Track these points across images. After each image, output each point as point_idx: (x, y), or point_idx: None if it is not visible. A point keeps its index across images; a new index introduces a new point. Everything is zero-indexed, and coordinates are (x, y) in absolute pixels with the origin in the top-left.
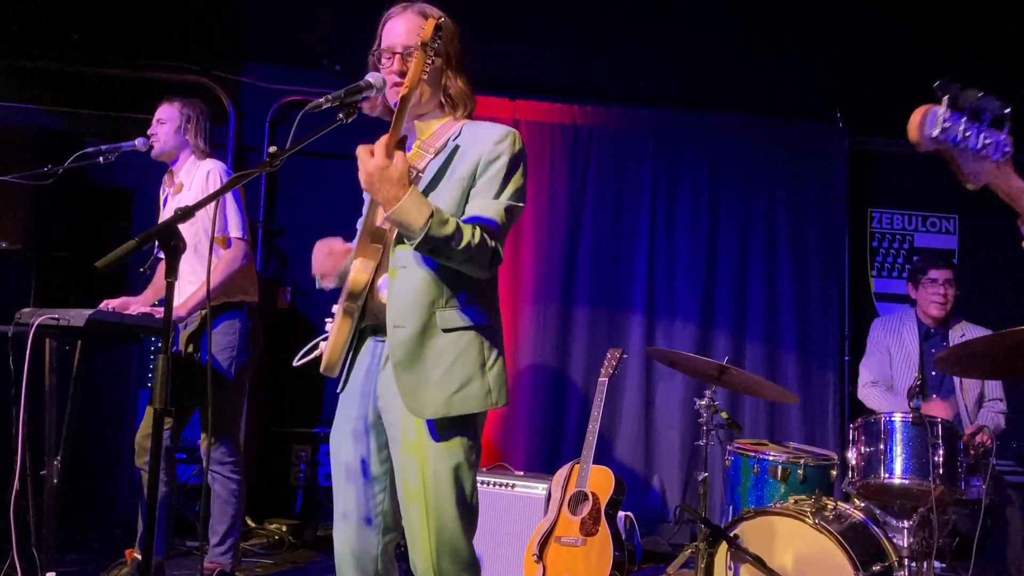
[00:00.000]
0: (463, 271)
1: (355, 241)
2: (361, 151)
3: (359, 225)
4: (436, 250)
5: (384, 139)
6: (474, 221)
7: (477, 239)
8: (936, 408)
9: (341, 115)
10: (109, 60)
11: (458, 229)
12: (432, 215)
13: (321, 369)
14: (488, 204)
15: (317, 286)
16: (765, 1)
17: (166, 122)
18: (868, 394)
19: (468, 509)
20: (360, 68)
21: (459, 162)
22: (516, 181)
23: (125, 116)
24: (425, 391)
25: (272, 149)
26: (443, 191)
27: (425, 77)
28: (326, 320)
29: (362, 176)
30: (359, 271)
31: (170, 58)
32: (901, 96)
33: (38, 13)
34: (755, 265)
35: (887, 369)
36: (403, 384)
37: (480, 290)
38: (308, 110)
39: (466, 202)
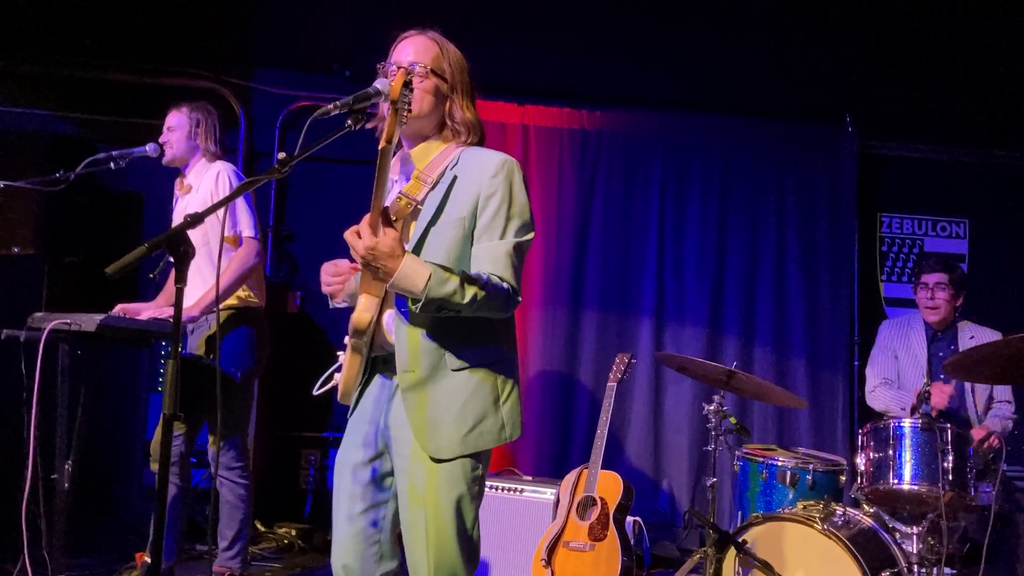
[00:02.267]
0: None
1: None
2: (349, 236)
3: None
4: (442, 308)
5: (367, 218)
6: (483, 270)
7: (484, 290)
8: (937, 392)
9: (349, 121)
10: (120, 66)
11: (461, 285)
12: (431, 276)
13: (339, 399)
14: (494, 247)
15: (330, 305)
16: (774, 4)
17: (176, 129)
18: (875, 396)
19: (468, 541)
20: (369, 73)
21: (457, 197)
22: (519, 214)
23: (136, 121)
24: (439, 432)
25: (281, 155)
26: (443, 229)
27: (427, 109)
28: (338, 353)
29: (356, 258)
30: (363, 309)
31: (181, 64)
32: (911, 100)
33: (50, 19)
34: (764, 269)
35: (893, 372)
36: (417, 426)
37: (491, 324)
38: (317, 116)
39: (470, 242)
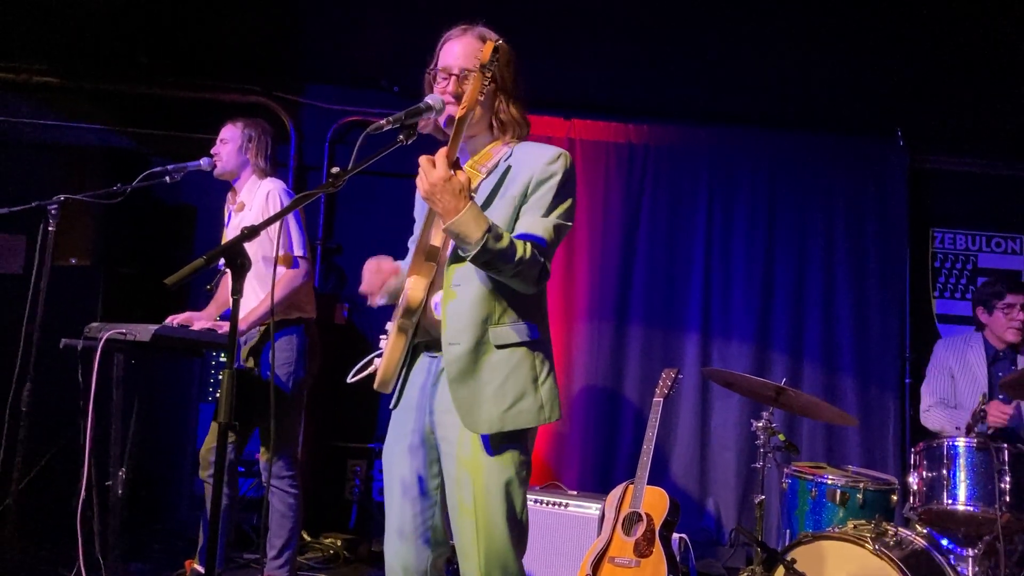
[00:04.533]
0: (512, 286)
1: (408, 259)
2: (424, 161)
3: (411, 244)
4: (490, 263)
5: (444, 151)
6: (524, 237)
7: (528, 254)
8: (995, 410)
9: (401, 136)
10: (174, 82)
11: (511, 244)
12: (489, 229)
13: (375, 386)
14: (538, 221)
15: (369, 302)
16: (824, 16)
17: (228, 142)
18: (930, 415)
19: (518, 525)
20: (417, 88)
21: (511, 182)
22: (566, 201)
23: (189, 136)
24: (480, 407)
25: (335, 170)
26: (495, 210)
27: (481, 98)
28: (380, 337)
29: (423, 186)
30: (413, 289)
31: (233, 80)
32: (964, 113)
33: (107, 37)
34: (813, 285)
35: (949, 391)
36: (458, 400)
37: (531, 306)
38: (369, 132)
39: (516, 219)
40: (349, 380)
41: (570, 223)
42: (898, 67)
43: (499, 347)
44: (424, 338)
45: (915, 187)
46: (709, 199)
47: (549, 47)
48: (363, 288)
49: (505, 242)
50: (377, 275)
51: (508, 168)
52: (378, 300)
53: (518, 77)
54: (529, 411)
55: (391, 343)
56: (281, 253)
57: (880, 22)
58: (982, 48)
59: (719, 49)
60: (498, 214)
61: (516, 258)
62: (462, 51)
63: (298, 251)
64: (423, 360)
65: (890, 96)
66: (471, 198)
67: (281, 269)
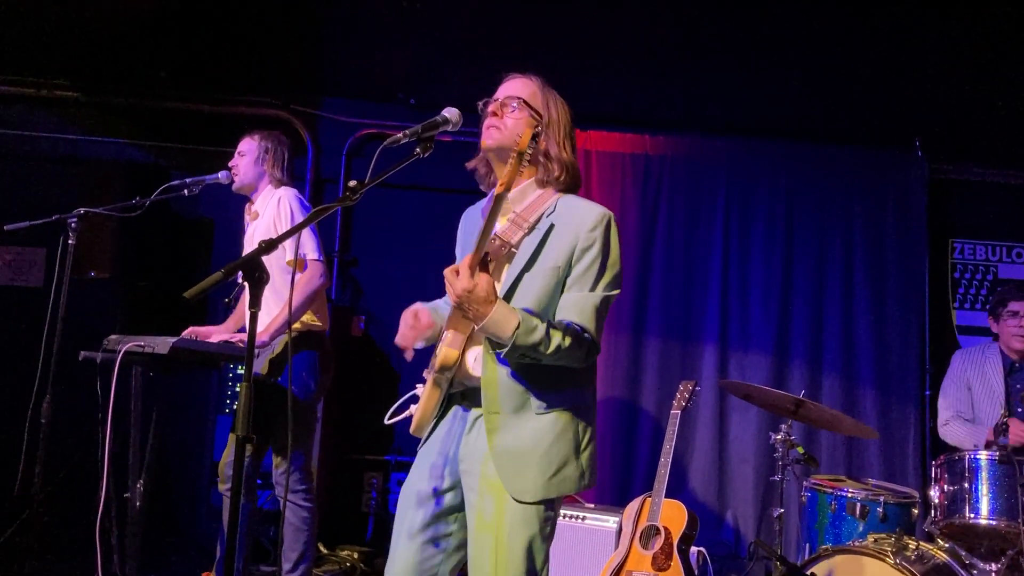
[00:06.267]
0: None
1: (446, 299)
2: (448, 273)
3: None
4: (525, 355)
5: (468, 259)
6: (569, 319)
7: (568, 341)
8: (1018, 429)
9: (419, 150)
10: (193, 96)
11: (547, 334)
12: (519, 325)
13: (411, 431)
14: (584, 298)
15: (405, 356)
16: (840, 29)
17: (245, 154)
18: (948, 430)
19: None
20: (433, 102)
21: (553, 245)
22: (611, 268)
23: (208, 149)
24: (525, 475)
25: (352, 183)
26: (537, 276)
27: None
28: (417, 385)
29: (451, 295)
30: (449, 345)
31: (251, 93)
32: (982, 123)
33: (127, 52)
34: (832, 296)
35: (967, 403)
36: (503, 467)
37: (575, 369)
38: (387, 145)
39: (560, 291)
40: (386, 422)
41: (617, 290)
42: (916, 78)
43: (541, 413)
44: (459, 388)
45: (934, 198)
46: (726, 210)
47: (565, 58)
48: (398, 341)
49: (538, 335)
50: (412, 330)
51: (551, 227)
52: (410, 356)
53: (572, 126)
54: (571, 479)
55: (426, 394)
56: (291, 257)
57: (898, 33)
58: (1000, 58)
59: (736, 60)
60: (540, 283)
61: (552, 347)
62: (514, 86)
63: (312, 254)
64: (455, 408)
65: (908, 107)
66: (497, 298)
67: (296, 274)
